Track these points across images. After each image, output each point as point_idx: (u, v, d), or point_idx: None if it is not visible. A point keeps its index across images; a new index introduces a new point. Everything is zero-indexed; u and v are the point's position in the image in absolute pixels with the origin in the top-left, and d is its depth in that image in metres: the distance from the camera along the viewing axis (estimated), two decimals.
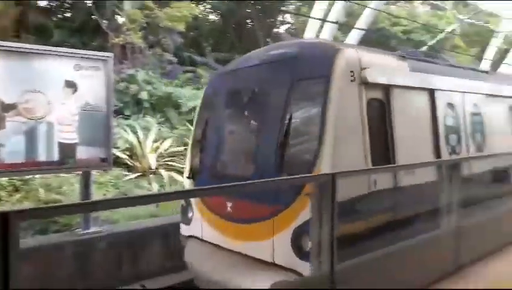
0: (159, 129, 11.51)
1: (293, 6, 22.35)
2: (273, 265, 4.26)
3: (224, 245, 4.81)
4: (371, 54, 5.20)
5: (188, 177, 5.70)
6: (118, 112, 11.25)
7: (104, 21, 14.89)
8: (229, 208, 4.73)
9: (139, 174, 9.70)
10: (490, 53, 18.27)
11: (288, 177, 3.56)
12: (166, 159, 10.55)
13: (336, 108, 4.23)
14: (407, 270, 4.21)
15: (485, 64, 18.46)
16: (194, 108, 12.73)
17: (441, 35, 17.56)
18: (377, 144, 4.56)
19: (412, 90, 5.34)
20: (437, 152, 5.45)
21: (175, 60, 16.85)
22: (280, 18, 24.28)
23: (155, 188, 9.08)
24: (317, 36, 11.16)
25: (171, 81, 14.76)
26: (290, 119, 4.49)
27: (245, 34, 21.27)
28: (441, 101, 5.68)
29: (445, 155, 5.54)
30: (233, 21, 21.22)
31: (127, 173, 9.54)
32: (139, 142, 10.32)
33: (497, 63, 19.72)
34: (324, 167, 4.05)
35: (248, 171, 4.84)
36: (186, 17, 16.45)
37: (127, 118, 11.72)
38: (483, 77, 7.50)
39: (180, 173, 10.45)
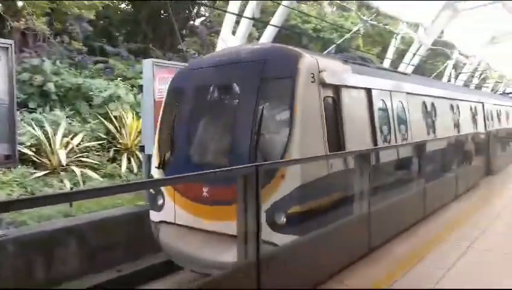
0: (69, 123, 10.74)
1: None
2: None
3: (199, 226, 5.28)
4: (324, 59, 6.03)
5: (158, 167, 6.02)
6: (22, 105, 10.28)
7: None
8: (205, 193, 5.22)
9: (47, 171, 9.00)
10: (390, 53, 19.96)
11: (222, 169, 3.67)
12: (78, 155, 9.94)
13: (300, 104, 5.01)
14: (327, 254, 4.49)
15: (386, 63, 20.18)
16: (107, 100, 12.14)
17: (347, 35, 18.86)
18: (331, 133, 5.40)
19: (355, 90, 6.30)
20: (374, 140, 6.43)
21: (85, 49, 15.84)
22: (196, 10, 23.99)
23: (67, 186, 8.53)
24: (233, 32, 11.29)
25: (80, 71, 13.84)
26: (262, 112, 5.08)
27: (159, 24, 20.66)
28: (376, 98, 6.65)
29: (380, 142, 6.53)
30: (147, 11, 20.48)
31: (34, 171, 8.80)
32: (47, 137, 9.55)
33: (396, 62, 21.68)
34: (294, 152, 4.82)
35: (223, 159, 5.34)
36: (96, 5, 15.53)
37: (32, 111, 10.73)
38: (404, 78, 8.84)
39: (95, 169, 9.97)
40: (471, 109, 12.36)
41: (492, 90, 34.06)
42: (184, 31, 22.75)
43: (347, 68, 6.37)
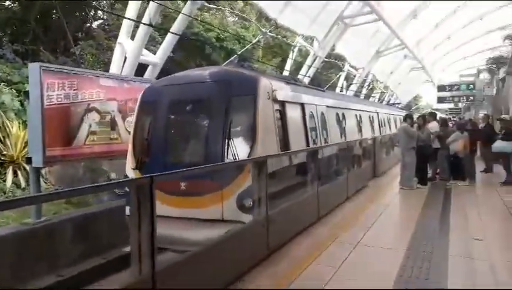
0: None
1: (106, 2, 21.17)
2: (222, 221, 5.99)
3: (181, 216, 6.16)
4: (274, 81, 7.55)
5: (134, 169, 6.94)
6: None
7: None
8: (183, 187, 6.21)
9: None
10: (288, 65, 20.96)
11: (113, 181, 3.51)
12: None
13: (261, 114, 6.49)
14: (226, 260, 4.52)
15: (285, 74, 21.15)
16: None
17: (248, 46, 19.40)
18: (280, 135, 7.04)
19: (293, 104, 7.98)
20: (307, 141, 8.19)
21: None
22: (93, 12, 22.62)
23: None
24: (132, 36, 10.90)
25: None
26: (231, 121, 6.44)
27: (51, 26, 19.05)
28: (307, 110, 8.47)
29: (311, 144, 8.30)
30: (37, 10, 18.74)
31: None
32: None
33: (293, 73, 22.82)
34: (258, 152, 6.16)
35: (198, 159, 6.49)
36: None
37: None
38: (323, 94, 10.92)
39: None
40: (369, 117, 15.18)
41: (379, 99, 37.79)
42: (80, 34, 21.32)
43: (288, 88, 8.16)
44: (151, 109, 7.22)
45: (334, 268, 4.96)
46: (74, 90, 7.97)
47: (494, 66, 29.99)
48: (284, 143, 7.10)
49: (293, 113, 7.75)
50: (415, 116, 15.81)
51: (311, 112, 8.76)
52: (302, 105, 8.35)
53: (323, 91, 12.18)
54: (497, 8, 28.68)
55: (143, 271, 3.24)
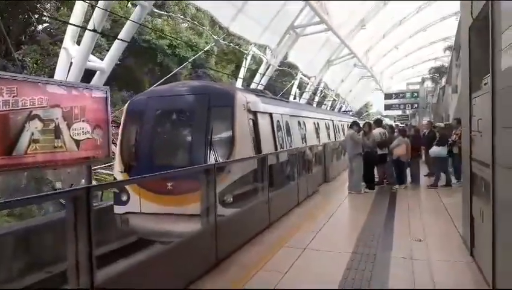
0: None
1: (51, 4, 20.34)
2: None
3: (164, 212, 6.90)
4: (248, 94, 8.78)
5: (122, 171, 7.79)
6: None
7: None
8: (169, 186, 6.90)
9: None
10: (241, 73, 21.07)
11: (45, 194, 3.35)
12: None
13: (238, 123, 7.60)
14: (173, 271, 4.45)
15: (239, 83, 21.24)
16: None
17: (200, 53, 19.30)
18: (254, 141, 8.11)
19: (263, 113, 9.04)
20: (275, 145, 9.35)
21: None
22: (37, 16, 21.63)
23: None
24: (78, 41, 10.55)
25: None
26: (212, 128, 7.48)
27: None
28: (274, 119, 9.65)
29: (278, 147, 9.50)
30: None
31: None
32: None
33: (248, 80, 22.96)
34: (236, 154, 7.23)
35: (183, 161, 7.34)
36: None
37: None
38: (287, 105, 12.39)
39: None
40: (326, 124, 16.84)
41: (331, 107, 38.86)
42: (24, 37, 20.32)
43: (258, 100, 9.19)
44: (138, 118, 8.09)
45: (281, 273, 5.02)
46: (14, 96, 7.58)
47: (437, 75, 31.77)
48: (257, 147, 8.24)
49: (263, 122, 8.86)
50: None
51: (278, 120, 9.96)
52: (270, 114, 9.53)
53: (287, 102, 13.88)
54: (438, 20, 30.52)
55: (81, 286, 3.11)
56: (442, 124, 14.33)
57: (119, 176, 7.82)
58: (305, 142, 12.48)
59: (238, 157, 7.20)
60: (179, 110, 8.02)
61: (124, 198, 7.56)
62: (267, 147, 8.63)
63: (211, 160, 7.18)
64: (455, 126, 11.92)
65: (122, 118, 8.39)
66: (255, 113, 8.41)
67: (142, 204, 7.34)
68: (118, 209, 7.69)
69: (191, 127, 7.86)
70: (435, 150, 11.57)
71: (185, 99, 8.01)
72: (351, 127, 11.36)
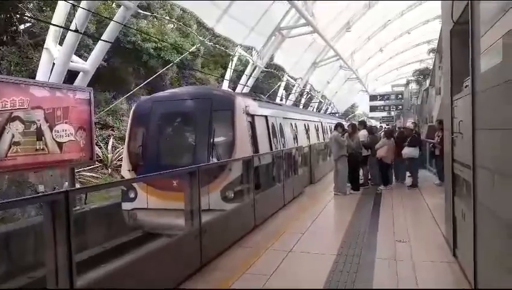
0: None
1: (34, 5, 19.98)
2: (209, 210, 6.57)
3: (171, 207, 6.90)
4: (247, 98, 9.48)
5: (129, 171, 8.45)
6: None
7: None
8: (175, 184, 7.20)
9: None
10: (228, 74, 21.03)
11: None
12: None
13: (238, 125, 8.22)
14: (155, 275, 4.39)
15: (225, 84, 21.18)
16: None
17: (185, 54, 19.17)
18: (251, 141, 8.71)
19: (260, 116, 9.65)
20: (270, 145, 9.95)
21: None
22: (19, 15, 21.21)
23: None
24: (60, 42, 10.38)
25: None
26: (214, 130, 8.10)
27: None
28: (269, 121, 10.26)
29: (273, 148, 10.09)
30: None
31: None
32: None
33: (235, 82, 22.90)
34: (237, 153, 7.91)
35: (187, 161, 7.76)
36: None
37: None
38: (281, 108, 13.22)
39: None
40: (315, 126, 17.82)
41: (317, 108, 39.06)
42: (5, 37, 19.89)
43: (256, 104, 9.87)
44: (144, 121, 8.68)
45: (266, 276, 5.01)
46: None
47: (421, 77, 32.19)
48: (255, 147, 8.82)
49: (259, 124, 9.47)
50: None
51: (272, 122, 10.62)
52: (266, 117, 10.14)
53: (280, 105, 14.91)
54: (422, 23, 30.96)
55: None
56: (411, 125, 14.57)
57: (127, 175, 8.43)
58: (297, 142, 13.19)
59: (238, 156, 7.80)
60: (183, 113, 8.65)
61: (132, 195, 8.13)
62: (263, 147, 9.28)
63: (213, 159, 7.87)
64: (437, 128, 12.10)
65: (129, 121, 9.03)
66: (252, 116, 8.99)
67: (149, 200, 7.93)
68: (126, 206, 8.23)
69: (195, 129, 8.45)
70: (407, 151, 11.75)
71: (189, 103, 8.64)
72: (335, 128, 11.40)
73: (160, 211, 7.63)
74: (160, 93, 9.77)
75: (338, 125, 11.43)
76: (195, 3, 15.43)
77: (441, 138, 11.32)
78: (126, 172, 8.55)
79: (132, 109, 9.26)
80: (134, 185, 8.14)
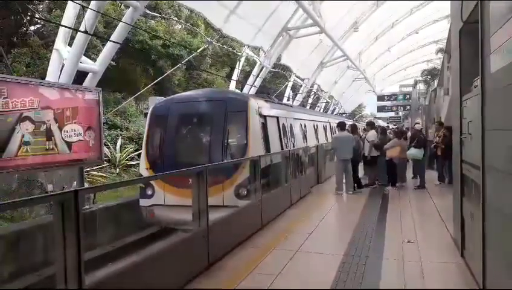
0: None
1: (43, 6, 20.20)
2: (224, 206, 7.41)
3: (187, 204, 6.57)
4: (259, 100, 9.78)
5: (147, 169, 8.75)
6: None
7: None
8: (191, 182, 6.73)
9: None
10: (235, 75, 21.06)
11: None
12: None
13: (252, 126, 8.56)
14: (163, 274, 4.41)
15: (232, 85, 21.21)
16: None
17: (195, 53, 19.23)
18: (264, 141, 9.03)
19: (272, 117, 9.97)
20: (281, 145, 10.24)
21: None
22: (29, 17, 21.45)
23: None
24: (71, 42, 10.48)
25: None
26: (228, 131, 8.52)
27: None
28: (280, 122, 10.63)
29: (284, 147, 10.41)
30: None
31: None
32: None
33: (243, 82, 22.91)
34: (250, 153, 8.18)
35: (203, 160, 7.87)
36: None
37: None
38: (291, 109, 13.53)
39: None
40: (324, 126, 18.42)
41: (324, 108, 38.97)
42: (15, 39, 20.13)
43: (268, 105, 10.21)
44: (162, 121, 9.01)
45: (273, 276, 5.01)
46: (4, 98, 7.50)
47: (429, 77, 31.97)
48: (267, 147, 9.16)
49: (271, 125, 9.82)
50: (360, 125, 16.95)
51: (283, 123, 10.98)
52: (277, 118, 10.49)
53: (291, 106, 15.29)
54: (431, 23, 30.74)
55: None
56: (419, 126, 14.56)
57: (145, 173, 8.76)
58: (306, 142, 13.64)
59: (252, 155, 8.06)
60: (199, 114, 8.94)
61: (150, 192, 8.46)
62: (274, 146, 9.62)
63: (228, 158, 8.26)
64: (437, 128, 12.09)
65: (147, 122, 9.39)
66: (264, 117, 9.33)
67: (166, 197, 8.23)
68: (144, 203, 8.56)
69: (210, 129, 8.71)
70: (412, 152, 11.69)
71: (205, 105, 9.00)
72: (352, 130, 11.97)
73: (177, 207, 7.81)
74: (178, 95, 10.23)
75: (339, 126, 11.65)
76: (202, 3, 15.47)
77: (442, 138, 11.29)
78: (144, 170, 8.84)
79: (150, 110, 9.58)
80: (152, 182, 8.45)
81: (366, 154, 11.89)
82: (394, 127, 22.36)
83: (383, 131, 12.75)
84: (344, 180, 11.12)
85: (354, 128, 12.03)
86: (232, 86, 20.84)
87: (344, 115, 36.45)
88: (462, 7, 4.90)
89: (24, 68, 16.46)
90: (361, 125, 23.03)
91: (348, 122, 14.83)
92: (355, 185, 11.28)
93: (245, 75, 23.05)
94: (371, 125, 12.85)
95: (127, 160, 18.15)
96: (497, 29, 3.29)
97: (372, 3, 25.59)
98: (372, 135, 11.91)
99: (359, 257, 5.69)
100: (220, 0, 15.52)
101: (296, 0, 16.93)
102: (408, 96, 31.47)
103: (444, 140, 11.24)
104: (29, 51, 17.83)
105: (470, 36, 4.66)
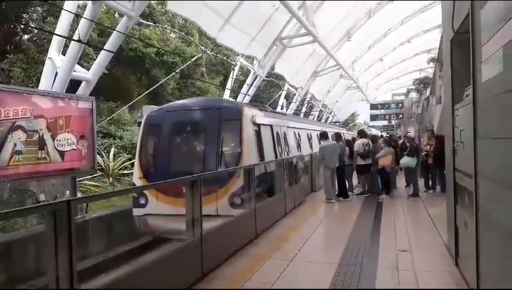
0: None
1: (38, 14, 20.17)
2: (217, 216, 7.38)
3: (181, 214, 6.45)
4: (253, 109, 9.78)
5: (140, 178, 8.65)
6: None
7: None
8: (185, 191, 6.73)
9: None
10: (229, 83, 21.10)
11: None
12: None
13: (246, 134, 8.57)
14: (157, 283, 4.37)
15: (226, 94, 21.24)
16: None
17: (189, 62, 19.27)
18: (258, 149, 9.03)
19: (266, 126, 10.01)
20: (275, 153, 10.27)
21: None
22: (23, 25, 21.39)
23: None
24: (63, 51, 10.46)
25: None
26: (223, 138, 8.51)
27: None
28: (274, 130, 10.67)
29: (278, 156, 10.42)
30: None
31: None
32: None
33: (237, 91, 22.96)
34: (245, 161, 8.17)
35: (197, 168, 8.00)
36: None
37: None
38: (284, 117, 13.53)
39: None
40: (317, 135, 17.43)
41: (317, 117, 39.11)
42: (9, 47, 20.05)
43: (262, 114, 10.27)
44: (156, 130, 8.96)
45: (268, 285, 4.98)
46: None
47: (422, 86, 32.22)
48: (261, 155, 9.18)
49: (265, 133, 9.87)
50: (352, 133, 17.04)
51: (277, 131, 11.04)
52: (271, 126, 10.56)
53: (284, 114, 15.26)
54: (422, 32, 31.13)
55: None
56: (412, 134, 14.71)
57: (139, 182, 8.65)
58: (300, 150, 13.65)
59: (246, 163, 8.07)
60: (193, 123, 8.93)
61: (143, 201, 8.39)
62: (268, 154, 9.65)
63: (222, 167, 8.24)
64: (429, 137, 12.20)
65: (141, 130, 9.32)
66: (258, 125, 9.37)
67: (160, 207, 8.13)
68: (138, 212, 8.49)
69: (205, 138, 8.72)
70: (405, 160, 11.78)
71: (199, 113, 9.01)
72: (321, 138, 12.17)
73: (170, 216, 7.71)
74: (171, 104, 10.18)
75: (322, 136, 11.95)
76: (197, 12, 15.54)
77: (434, 147, 11.37)
78: (137, 179, 8.73)
79: (143, 119, 9.52)
80: (145, 192, 8.36)
81: (346, 163, 11.96)
82: (386, 135, 22.47)
83: (373, 139, 12.76)
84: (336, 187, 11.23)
85: (338, 137, 12.18)
86: (227, 94, 20.89)
87: (337, 123, 36.60)
88: (453, 17, 4.97)
89: (21, 73, 16.38)
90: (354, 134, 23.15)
91: (342, 131, 15.04)
92: (341, 193, 11.38)
93: (239, 84, 23.11)
94: (360, 134, 12.99)
95: (120, 169, 18.03)
96: (488, 39, 3.34)
97: (364, 13, 25.87)
98: (357, 144, 12.04)
99: (354, 265, 5.67)
100: (214, 3, 15.56)
101: (289, 8, 17.05)
102: (401, 104, 31.72)
103: (436, 149, 11.32)
104: (24, 57, 17.78)
105: (461, 46, 4.72)
